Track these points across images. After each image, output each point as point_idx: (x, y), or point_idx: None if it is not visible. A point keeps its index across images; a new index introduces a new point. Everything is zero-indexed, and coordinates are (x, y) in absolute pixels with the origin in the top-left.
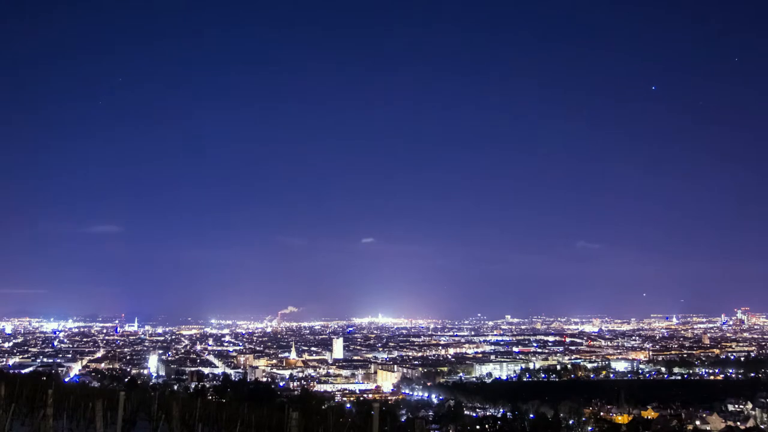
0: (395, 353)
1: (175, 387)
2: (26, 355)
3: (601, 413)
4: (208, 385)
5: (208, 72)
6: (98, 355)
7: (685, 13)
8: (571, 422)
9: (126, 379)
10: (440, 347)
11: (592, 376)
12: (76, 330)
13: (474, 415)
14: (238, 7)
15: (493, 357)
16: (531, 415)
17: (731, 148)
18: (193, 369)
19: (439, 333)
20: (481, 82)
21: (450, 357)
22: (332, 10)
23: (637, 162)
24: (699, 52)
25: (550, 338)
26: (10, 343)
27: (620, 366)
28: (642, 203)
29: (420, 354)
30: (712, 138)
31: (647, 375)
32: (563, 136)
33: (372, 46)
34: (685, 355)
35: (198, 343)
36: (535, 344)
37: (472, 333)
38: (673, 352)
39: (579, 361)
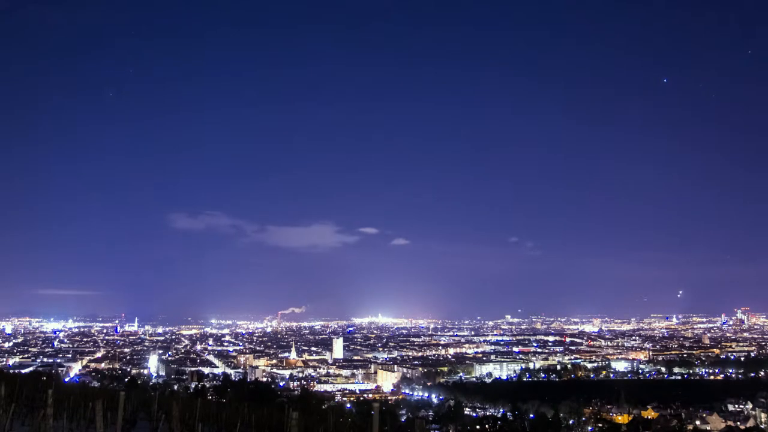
0: (395, 353)
1: (175, 387)
2: (26, 355)
3: (601, 413)
4: (208, 385)
5: (213, 69)
6: (98, 355)
7: (697, 4)
8: (571, 422)
9: (126, 379)
10: (440, 347)
11: (592, 376)
12: (76, 330)
13: (474, 415)
14: (251, 5)
15: (493, 357)
16: (531, 415)
17: (735, 146)
18: (193, 369)
19: (439, 333)
20: (483, 80)
21: (450, 357)
22: (343, 9)
23: (638, 161)
24: (711, 45)
25: (550, 338)
26: (11, 343)
27: (620, 366)
28: (642, 202)
29: (420, 354)
30: (717, 135)
31: (647, 375)
32: (563, 134)
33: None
34: (685, 355)
35: (198, 343)
36: (535, 344)
37: (472, 333)
38: (673, 352)
39: (579, 361)
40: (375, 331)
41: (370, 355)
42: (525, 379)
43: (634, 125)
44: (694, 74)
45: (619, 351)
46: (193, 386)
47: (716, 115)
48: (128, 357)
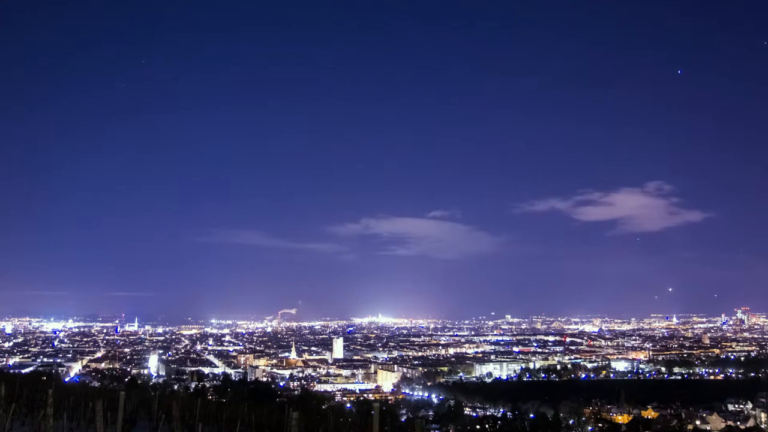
0: (395, 353)
1: (175, 387)
2: (26, 355)
3: (601, 413)
4: (208, 385)
5: (215, 66)
6: (98, 355)
7: None
8: (571, 422)
9: (126, 379)
10: (440, 347)
11: (592, 376)
12: (76, 330)
13: (474, 414)
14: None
15: (493, 357)
16: (531, 415)
17: (738, 143)
18: (193, 369)
19: (439, 333)
20: (486, 77)
21: (450, 357)
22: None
23: (639, 159)
24: (726, 36)
25: (550, 338)
26: (11, 343)
27: (620, 366)
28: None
29: (420, 354)
30: (719, 132)
31: (647, 375)
32: (564, 130)
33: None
34: (685, 355)
35: (198, 343)
36: (535, 344)
37: (472, 333)
38: (673, 352)
39: (579, 361)
40: (375, 331)
41: (370, 355)
42: (525, 379)
43: (637, 122)
44: (708, 65)
45: (619, 351)
46: (193, 386)
47: (721, 111)
48: (128, 357)
